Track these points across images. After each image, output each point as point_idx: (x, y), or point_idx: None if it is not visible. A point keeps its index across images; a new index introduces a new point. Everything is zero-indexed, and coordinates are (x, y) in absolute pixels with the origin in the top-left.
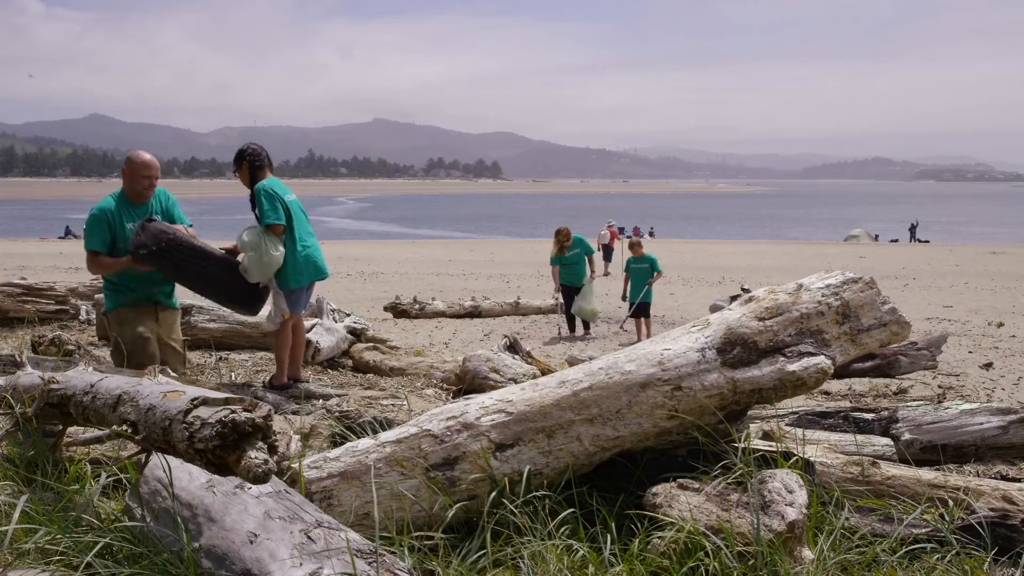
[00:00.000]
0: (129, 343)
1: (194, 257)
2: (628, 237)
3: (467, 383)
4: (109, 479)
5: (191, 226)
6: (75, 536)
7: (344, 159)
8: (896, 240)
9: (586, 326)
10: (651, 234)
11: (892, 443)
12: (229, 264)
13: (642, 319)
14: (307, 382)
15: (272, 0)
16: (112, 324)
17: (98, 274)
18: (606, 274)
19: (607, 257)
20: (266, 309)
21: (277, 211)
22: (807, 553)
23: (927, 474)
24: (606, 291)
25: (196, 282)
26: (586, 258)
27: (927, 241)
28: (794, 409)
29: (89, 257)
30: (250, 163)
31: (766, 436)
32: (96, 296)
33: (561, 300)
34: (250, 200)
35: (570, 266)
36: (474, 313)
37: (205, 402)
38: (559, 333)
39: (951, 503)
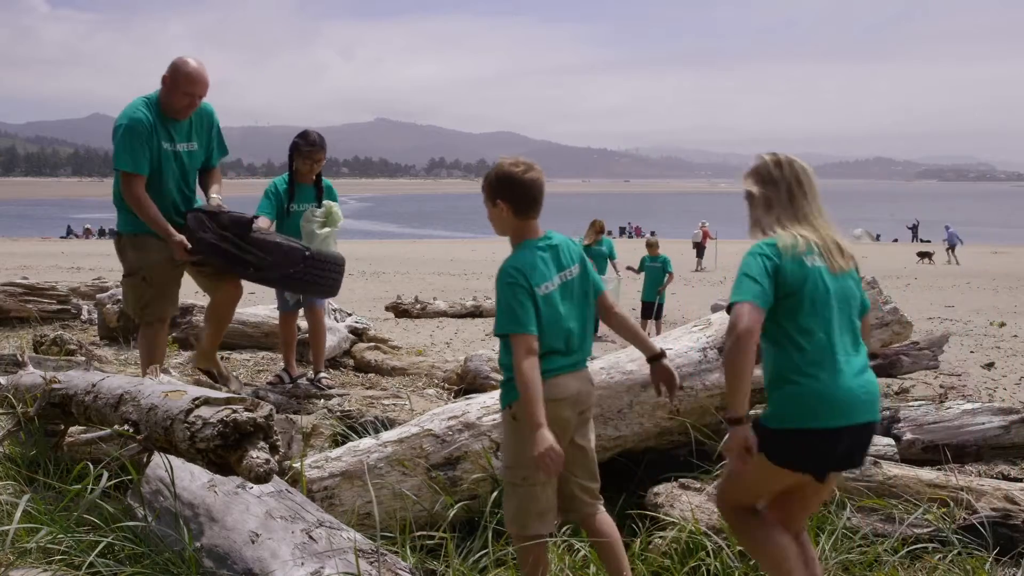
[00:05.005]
0: (149, 268)
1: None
2: (625, 236)
3: (468, 383)
4: (111, 479)
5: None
6: (77, 535)
7: (346, 159)
8: (897, 240)
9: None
10: (652, 235)
11: (894, 443)
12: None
13: (650, 320)
14: (309, 374)
15: (275, 1)
16: (126, 248)
17: (133, 207)
18: (699, 269)
19: (700, 255)
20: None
21: None
22: None
23: (929, 474)
24: (612, 290)
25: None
26: (610, 262)
27: (928, 241)
28: None
29: (127, 181)
30: None
31: None
32: (98, 296)
33: None
34: (316, 188)
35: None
36: (476, 313)
37: (207, 402)
38: None
39: (953, 503)
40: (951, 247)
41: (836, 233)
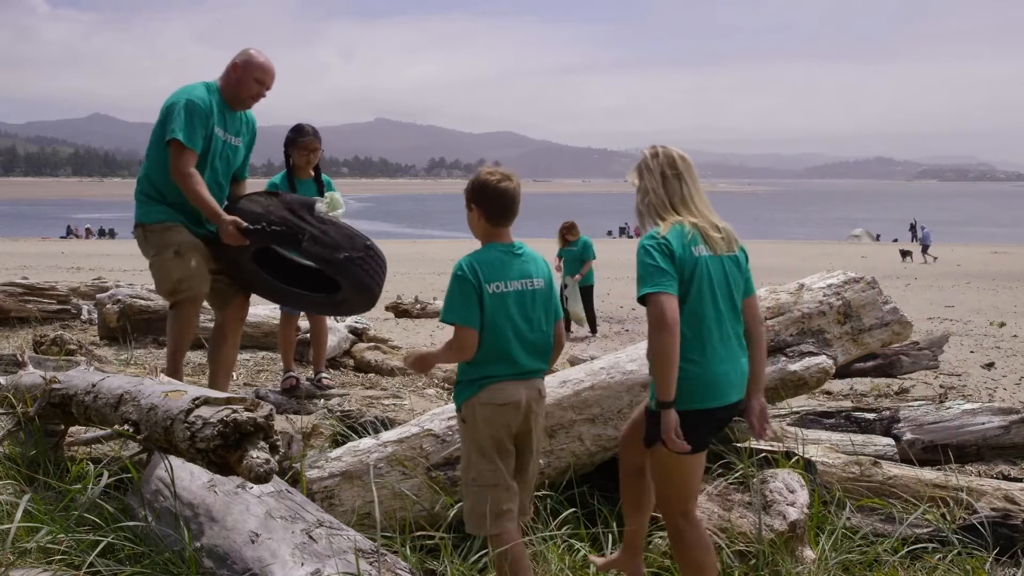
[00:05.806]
0: (183, 243)
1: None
2: (625, 236)
3: None
4: (111, 479)
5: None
6: (77, 535)
7: (346, 159)
8: (896, 240)
9: (592, 328)
10: None
11: (894, 443)
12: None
13: None
14: (328, 377)
15: (275, 1)
16: (157, 232)
17: (180, 183)
18: None
19: None
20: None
21: None
22: (809, 553)
23: (929, 474)
24: (608, 291)
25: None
26: (585, 262)
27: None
28: (795, 409)
29: (178, 153)
30: None
31: None
32: (98, 296)
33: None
34: (317, 183)
35: (566, 263)
36: None
37: (207, 402)
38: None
39: (952, 503)
40: (925, 247)
41: (716, 217)
